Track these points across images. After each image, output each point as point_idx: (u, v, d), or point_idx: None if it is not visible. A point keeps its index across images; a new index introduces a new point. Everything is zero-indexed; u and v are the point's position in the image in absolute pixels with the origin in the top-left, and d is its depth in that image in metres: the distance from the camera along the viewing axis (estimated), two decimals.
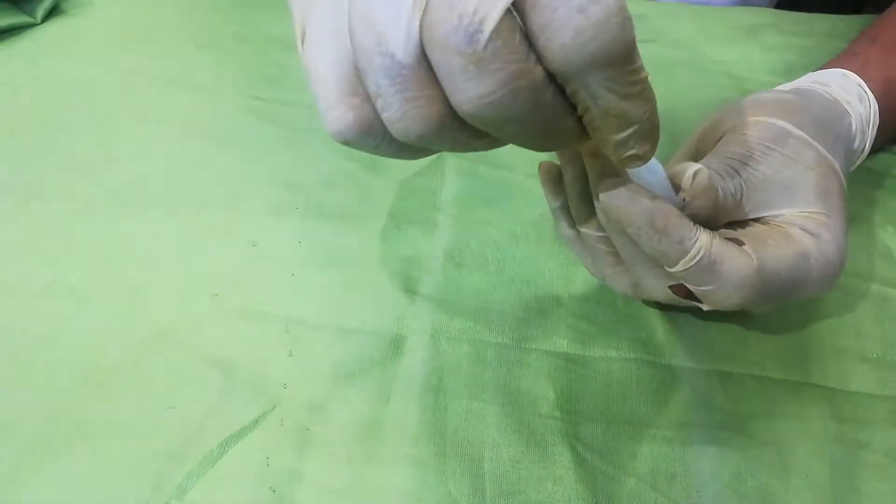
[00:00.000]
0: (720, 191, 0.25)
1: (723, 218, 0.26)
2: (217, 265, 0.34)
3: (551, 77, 0.17)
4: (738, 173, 0.27)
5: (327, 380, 0.30)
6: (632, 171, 0.23)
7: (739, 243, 0.25)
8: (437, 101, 0.18)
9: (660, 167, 0.24)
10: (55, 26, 0.48)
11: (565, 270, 0.34)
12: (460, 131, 0.18)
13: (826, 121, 0.30)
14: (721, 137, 0.29)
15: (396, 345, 0.31)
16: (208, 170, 0.39)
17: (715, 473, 0.27)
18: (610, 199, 0.24)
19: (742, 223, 0.27)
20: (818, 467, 0.27)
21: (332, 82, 0.19)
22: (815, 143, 0.28)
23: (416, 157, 0.21)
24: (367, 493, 0.27)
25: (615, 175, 0.24)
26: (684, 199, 0.25)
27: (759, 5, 0.52)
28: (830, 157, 0.28)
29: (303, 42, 0.19)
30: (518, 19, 0.16)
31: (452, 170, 0.39)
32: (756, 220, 0.27)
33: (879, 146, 0.37)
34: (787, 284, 0.25)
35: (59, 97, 0.43)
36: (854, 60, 0.35)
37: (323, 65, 0.19)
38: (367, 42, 0.17)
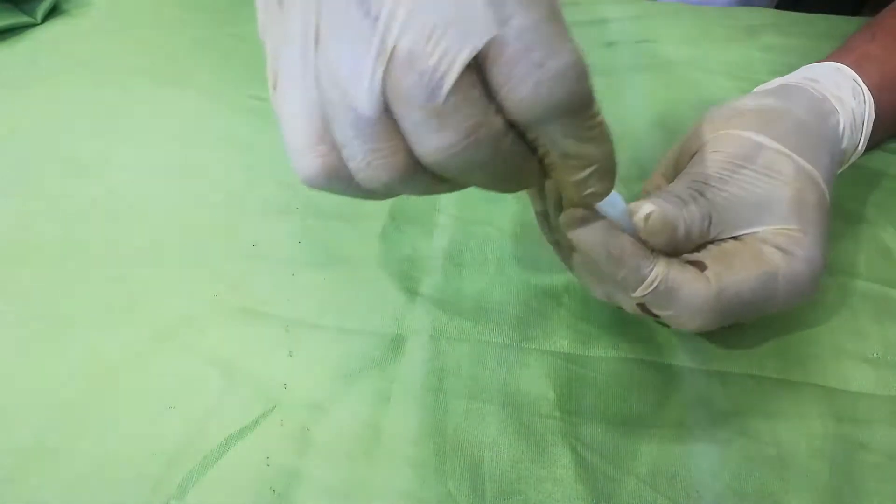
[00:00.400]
0: (682, 225, 0.25)
1: (688, 247, 0.26)
2: (217, 265, 0.34)
3: (511, 124, 0.18)
4: (706, 196, 0.26)
5: (327, 380, 0.30)
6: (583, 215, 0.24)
7: (702, 267, 0.25)
8: (400, 152, 0.18)
9: (619, 199, 0.24)
10: (55, 26, 0.49)
11: (565, 270, 0.34)
12: (424, 178, 0.19)
13: (808, 124, 0.29)
14: (696, 152, 0.29)
15: (396, 345, 0.31)
16: (208, 170, 0.39)
17: (715, 473, 0.27)
18: (569, 229, 0.25)
19: (716, 241, 0.27)
20: (818, 467, 0.27)
21: (301, 129, 0.19)
22: (792, 154, 0.27)
23: (385, 199, 0.21)
24: (367, 492, 0.27)
25: (574, 205, 0.25)
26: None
27: (759, 6, 0.52)
28: (809, 166, 0.27)
29: (275, 88, 0.20)
30: (477, 73, 0.17)
31: None
32: (731, 238, 0.27)
33: (879, 142, 0.37)
34: (750, 305, 0.25)
35: (59, 97, 0.43)
36: (850, 55, 0.34)
37: (293, 112, 0.19)
38: (332, 95, 0.18)
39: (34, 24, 0.48)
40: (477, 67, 0.17)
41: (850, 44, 0.36)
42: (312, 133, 0.19)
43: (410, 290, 0.33)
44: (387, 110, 0.17)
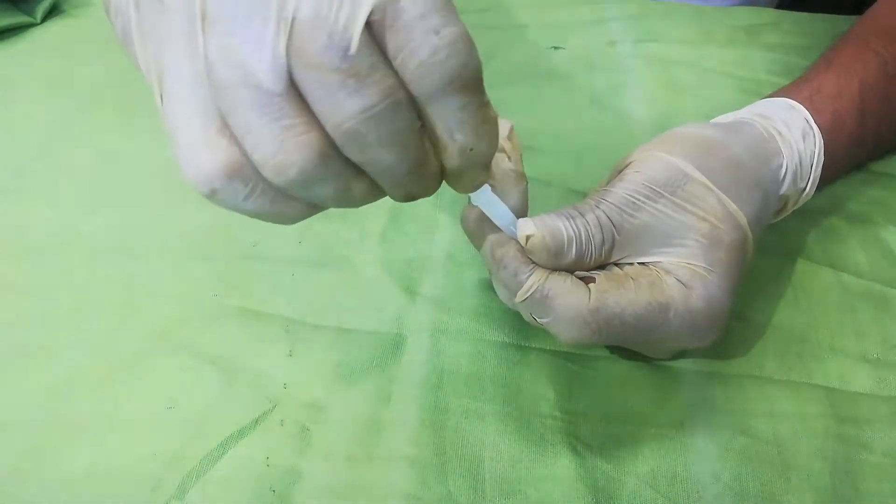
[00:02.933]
0: (573, 247, 0.25)
1: (581, 267, 0.26)
2: (217, 265, 0.34)
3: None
4: (612, 221, 0.26)
5: (327, 380, 0.30)
6: (481, 210, 0.25)
7: (588, 281, 0.25)
8: (314, 128, 0.17)
9: (509, 214, 0.25)
10: (55, 26, 0.48)
11: None
12: (339, 164, 0.18)
13: (745, 163, 0.28)
14: (622, 170, 0.28)
15: (396, 344, 0.31)
16: None
17: (715, 473, 0.27)
18: (463, 223, 0.26)
19: (620, 263, 0.27)
20: (819, 467, 0.27)
21: (198, 126, 0.17)
22: (717, 191, 0.26)
23: (286, 218, 0.20)
24: (367, 492, 0.27)
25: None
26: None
27: (760, 5, 0.51)
28: (734, 206, 0.26)
29: (162, 97, 0.18)
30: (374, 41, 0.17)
31: None
32: (638, 263, 0.27)
33: (833, 179, 0.36)
34: (633, 329, 0.25)
35: (58, 97, 0.43)
36: (805, 89, 0.33)
37: (184, 114, 0.18)
38: (230, 77, 0.16)
39: (33, 24, 0.48)
40: (372, 37, 0.16)
41: (808, 74, 0.35)
42: (211, 127, 0.17)
43: (410, 289, 0.33)
44: (292, 84, 0.16)
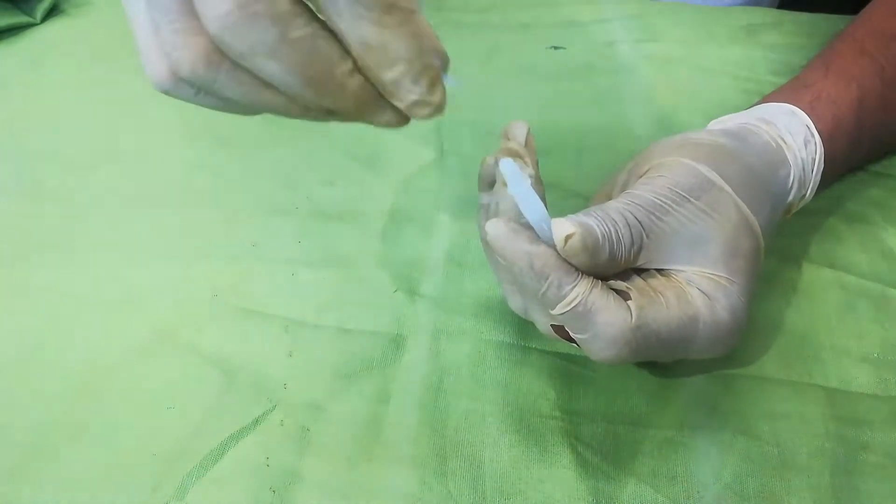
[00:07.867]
0: (606, 247, 0.24)
1: (612, 269, 0.25)
2: (217, 265, 0.34)
3: (315, 18, 0.18)
4: (641, 223, 0.25)
5: (327, 380, 0.30)
6: (519, 212, 0.24)
7: (626, 296, 0.24)
8: (202, 34, 0.18)
9: (543, 210, 0.24)
10: (55, 26, 0.48)
11: None
12: (233, 72, 0.19)
13: (758, 172, 0.28)
14: (644, 174, 0.28)
15: (396, 344, 0.31)
16: (208, 169, 0.39)
17: (716, 474, 0.27)
18: (492, 236, 0.24)
19: (642, 271, 0.26)
20: (819, 468, 0.27)
21: (149, 33, 0.19)
22: (738, 199, 0.26)
23: (244, 113, 0.21)
24: (367, 493, 0.27)
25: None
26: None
27: (760, 5, 0.51)
28: (751, 215, 0.27)
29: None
30: None
31: (453, 169, 0.39)
32: (658, 270, 0.26)
33: (829, 183, 0.36)
34: (666, 345, 0.25)
35: (58, 97, 0.43)
36: (805, 94, 0.33)
37: (140, 22, 0.19)
38: None
39: (33, 24, 0.48)
40: None
41: (806, 77, 0.35)
42: (155, 37, 0.19)
43: (411, 289, 0.33)
44: None
